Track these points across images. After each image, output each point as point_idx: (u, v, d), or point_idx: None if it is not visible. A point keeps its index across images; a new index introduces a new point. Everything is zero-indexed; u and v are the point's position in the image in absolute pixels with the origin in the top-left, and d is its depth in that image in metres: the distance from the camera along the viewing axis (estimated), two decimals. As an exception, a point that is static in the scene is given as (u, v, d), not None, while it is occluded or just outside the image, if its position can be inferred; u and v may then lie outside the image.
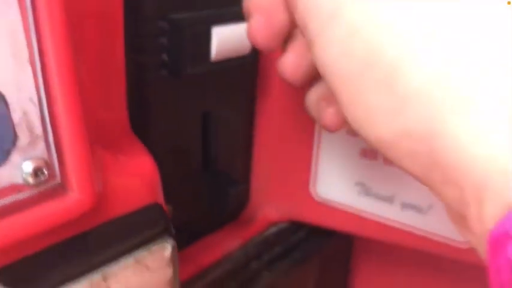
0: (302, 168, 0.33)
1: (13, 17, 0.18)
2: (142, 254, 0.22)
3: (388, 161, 0.31)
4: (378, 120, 0.18)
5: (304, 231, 0.37)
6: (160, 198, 0.24)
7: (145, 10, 0.26)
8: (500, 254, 0.15)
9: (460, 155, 0.16)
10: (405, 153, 0.18)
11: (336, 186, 0.33)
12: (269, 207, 0.35)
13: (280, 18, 0.23)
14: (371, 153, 0.31)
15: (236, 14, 0.27)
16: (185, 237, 0.34)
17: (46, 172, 0.19)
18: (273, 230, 0.36)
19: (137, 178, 0.23)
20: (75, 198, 0.20)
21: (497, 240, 0.15)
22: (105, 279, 0.21)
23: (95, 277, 0.21)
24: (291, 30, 0.24)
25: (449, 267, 0.37)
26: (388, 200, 0.31)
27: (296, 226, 0.36)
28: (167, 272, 0.23)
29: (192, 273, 0.33)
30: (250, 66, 0.31)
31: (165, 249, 0.23)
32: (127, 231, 0.22)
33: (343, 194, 0.32)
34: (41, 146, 0.19)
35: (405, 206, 0.31)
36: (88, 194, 0.20)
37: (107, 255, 0.22)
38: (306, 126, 0.32)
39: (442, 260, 0.35)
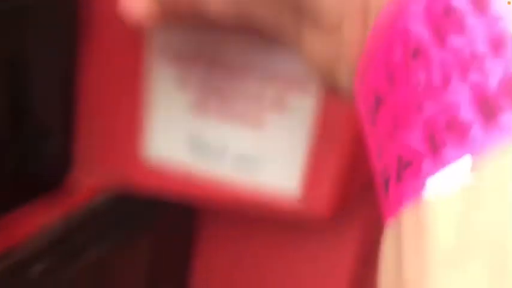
0: (130, 128, 0.30)
1: None
2: None
3: (219, 114, 0.28)
4: None
5: (137, 202, 0.33)
6: None
7: None
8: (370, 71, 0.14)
9: None
10: None
11: (167, 145, 0.30)
12: (95, 173, 0.32)
13: None
14: (202, 107, 0.29)
15: None
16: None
17: None
18: (102, 199, 0.32)
19: None
20: None
21: (371, 49, 0.14)
22: None
23: None
24: None
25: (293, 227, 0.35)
26: (221, 153, 0.29)
27: (128, 196, 0.33)
28: None
29: (3, 246, 0.29)
30: (69, 4, 0.28)
31: None
32: None
33: (174, 153, 0.30)
34: None
35: (237, 158, 0.28)
36: None
37: None
38: (133, 79, 0.29)
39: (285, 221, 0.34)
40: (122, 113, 0.30)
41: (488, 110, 0.11)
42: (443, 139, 0.12)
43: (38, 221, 0.30)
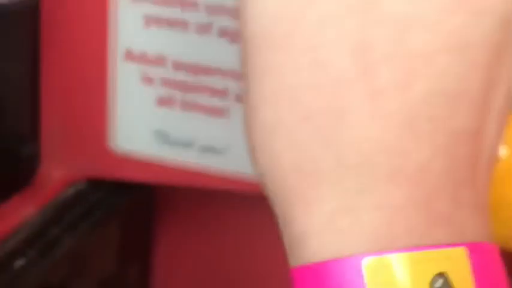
0: (97, 121, 0.32)
1: None
2: None
3: (185, 107, 0.30)
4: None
5: (103, 190, 0.35)
6: None
7: None
8: None
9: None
10: None
11: (134, 137, 0.32)
12: (64, 166, 0.33)
13: None
14: (167, 101, 0.30)
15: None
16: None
17: None
18: (71, 191, 0.34)
19: None
20: None
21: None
22: None
23: None
24: None
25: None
26: (188, 145, 0.31)
27: (95, 185, 0.34)
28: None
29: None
30: (31, 11, 0.29)
31: None
32: None
33: (142, 145, 0.32)
34: None
35: (204, 149, 0.31)
36: None
37: None
38: (98, 76, 0.31)
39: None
40: (89, 109, 0.32)
41: None
42: None
43: (14, 217, 0.32)
